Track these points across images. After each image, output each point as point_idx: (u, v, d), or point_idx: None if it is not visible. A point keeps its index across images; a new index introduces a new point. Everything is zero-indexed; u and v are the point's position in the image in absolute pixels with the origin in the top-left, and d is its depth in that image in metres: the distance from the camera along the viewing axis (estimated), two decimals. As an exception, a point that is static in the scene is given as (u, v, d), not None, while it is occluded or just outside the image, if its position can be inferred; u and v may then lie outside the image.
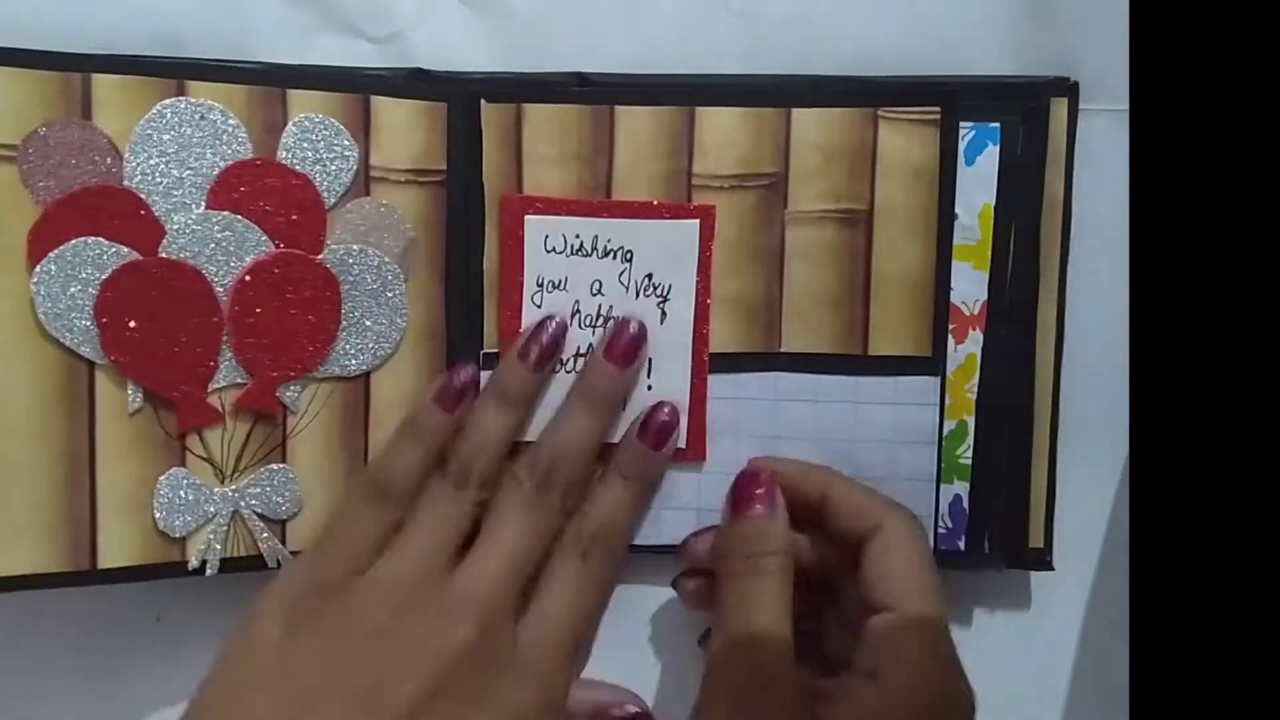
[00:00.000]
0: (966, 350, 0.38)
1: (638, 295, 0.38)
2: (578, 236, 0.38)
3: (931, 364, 0.37)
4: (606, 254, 0.38)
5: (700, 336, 0.38)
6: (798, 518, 0.36)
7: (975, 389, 0.38)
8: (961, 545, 0.38)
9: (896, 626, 0.33)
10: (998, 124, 0.37)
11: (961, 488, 0.38)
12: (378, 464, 0.38)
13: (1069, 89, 0.37)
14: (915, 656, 0.32)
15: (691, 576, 0.39)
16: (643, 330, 0.38)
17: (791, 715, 0.32)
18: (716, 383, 0.38)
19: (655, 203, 0.38)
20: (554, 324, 0.38)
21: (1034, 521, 0.38)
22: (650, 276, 0.38)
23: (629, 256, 0.38)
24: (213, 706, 0.34)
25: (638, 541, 0.39)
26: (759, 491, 0.36)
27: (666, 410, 0.38)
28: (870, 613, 0.33)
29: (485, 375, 0.40)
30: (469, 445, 0.37)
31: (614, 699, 0.38)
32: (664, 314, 0.38)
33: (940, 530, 0.38)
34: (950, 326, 0.38)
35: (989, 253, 0.37)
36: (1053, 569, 0.39)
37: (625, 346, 0.38)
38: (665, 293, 0.38)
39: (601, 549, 0.37)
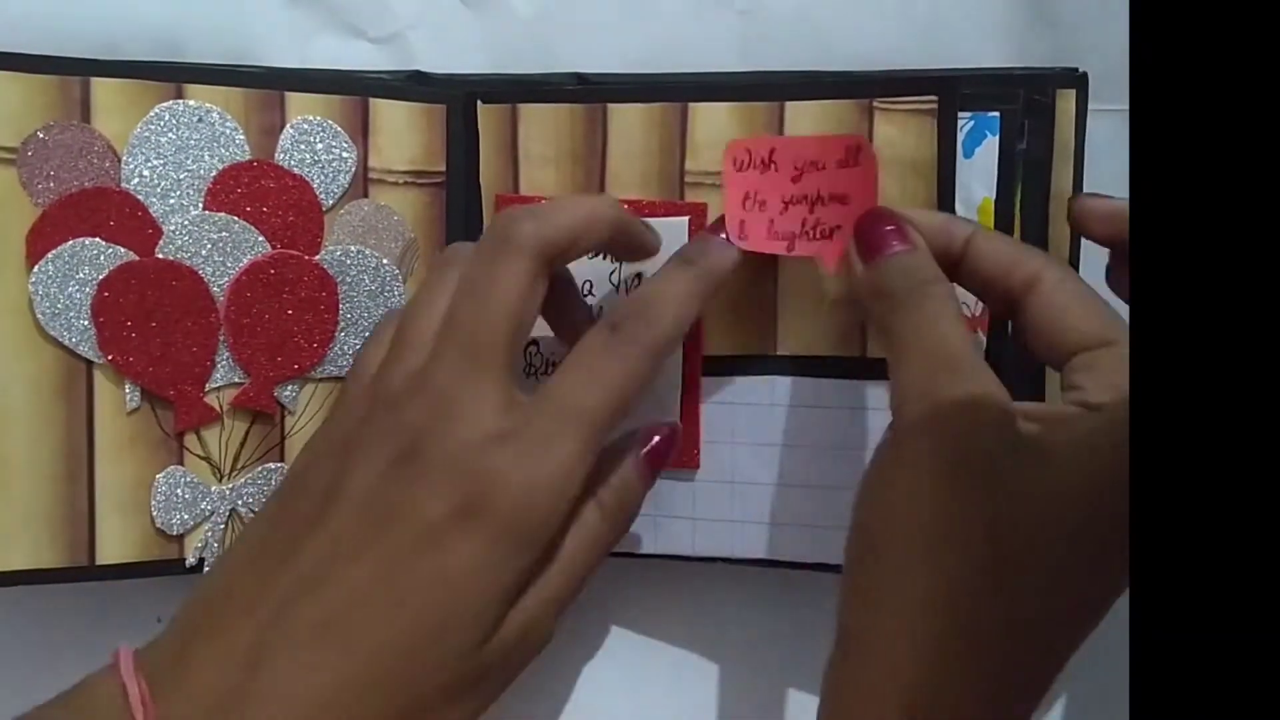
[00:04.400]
0: (968, 354, 0.36)
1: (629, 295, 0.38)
2: (569, 236, 0.38)
3: (933, 366, 0.36)
4: (597, 254, 0.38)
5: (692, 339, 0.37)
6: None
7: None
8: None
9: (1110, 359, 0.30)
10: (997, 113, 0.35)
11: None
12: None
13: (1077, 80, 0.35)
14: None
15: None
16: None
17: (1012, 431, 0.29)
18: (710, 387, 0.37)
19: (645, 201, 0.37)
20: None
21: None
22: (640, 276, 0.37)
23: (620, 256, 0.38)
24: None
25: (629, 550, 0.38)
26: (889, 229, 0.32)
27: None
28: (1055, 359, 0.31)
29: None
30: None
31: (642, 435, 0.35)
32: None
33: None
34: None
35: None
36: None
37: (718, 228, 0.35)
38: (656, 293, 0.38)
39: (638, 321, 0.32)
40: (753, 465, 0.37)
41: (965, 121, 0.35)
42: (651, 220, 0.37)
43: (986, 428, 0.29)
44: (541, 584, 0.32)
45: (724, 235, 0.34)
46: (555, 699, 0.40)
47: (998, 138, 0.35)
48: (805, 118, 0.36)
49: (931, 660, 0.29)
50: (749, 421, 0.37)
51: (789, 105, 0.36)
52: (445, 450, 0.30)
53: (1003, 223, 0.35)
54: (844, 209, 0.34)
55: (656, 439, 0.34)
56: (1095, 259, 0.36)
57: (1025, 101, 0.35)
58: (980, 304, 0.36)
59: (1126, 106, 0.35)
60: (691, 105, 0.37)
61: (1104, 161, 0.36)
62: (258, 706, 0.29)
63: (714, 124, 0.37)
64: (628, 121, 0.37)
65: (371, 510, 0.31)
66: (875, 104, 0.35)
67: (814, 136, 0.35)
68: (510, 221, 0.32)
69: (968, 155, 0.35)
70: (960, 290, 0.35)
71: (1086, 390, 0.30)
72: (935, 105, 0.35)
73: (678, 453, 0.35)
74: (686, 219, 0.37)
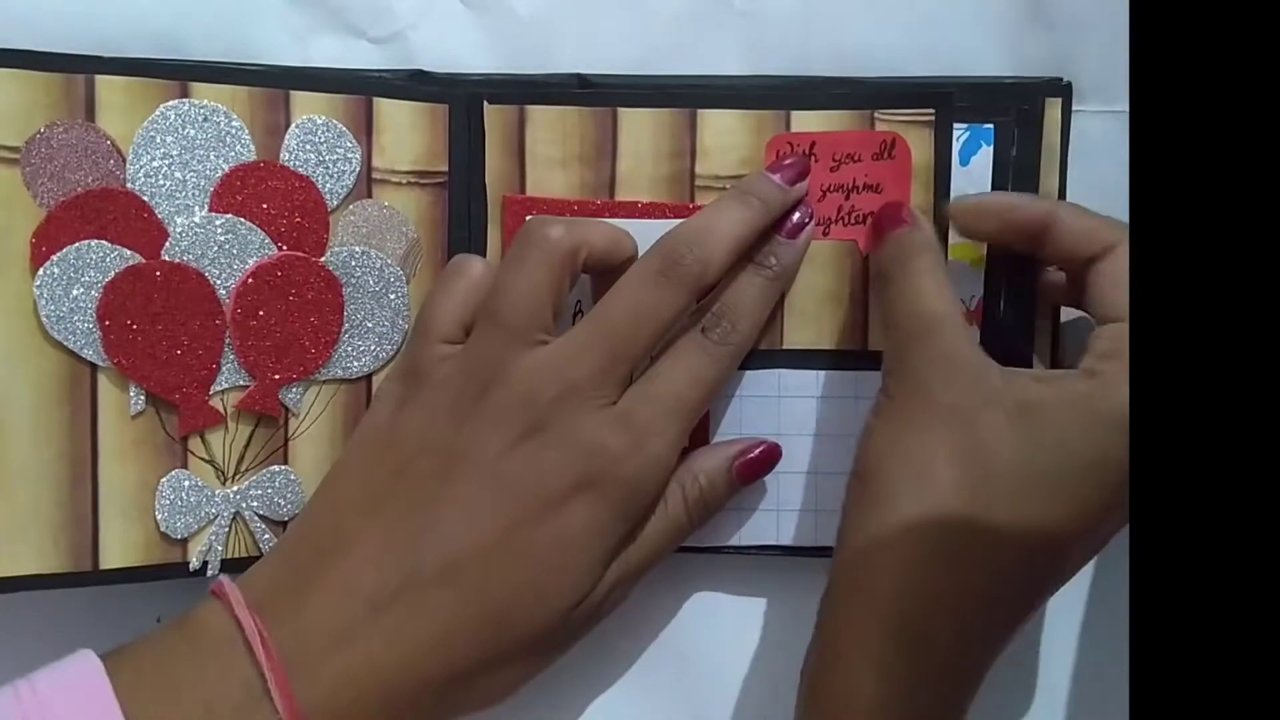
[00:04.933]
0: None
1: (640, 295, 0.39)
2: (579, 237, 0.38)
3: (929, 360, 0.38)
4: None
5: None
6: (1018, 246, 0.36)
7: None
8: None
9: (1125, 334, 0.33)
10: (991, 125, 0.37)
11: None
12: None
13: (1063, 89, 0.38)
14: None
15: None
16: (808, 161, 0.37)
17: (983, 384, 0.33)
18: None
19: (656, 203, 0.38)
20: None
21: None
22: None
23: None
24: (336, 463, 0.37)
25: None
26: (894, 214, 0.36)
27: (799, 213, 0.37)
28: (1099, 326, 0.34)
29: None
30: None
31: (744, 445, 0.38)
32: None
33: None
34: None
35: (984, 251, 0.38)
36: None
37: (792, 166, 0.37)
38: (666, 292, 0.39)
39: (725, 325, 0.36)
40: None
41: (961, 132, 0.37)
42: (663, 223, 0.38)
43: (955, 382, 0.33)
44: (624, 558, 0.35)
45: (778, 176, 0.37)
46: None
47: (992, 148, 0.37)
48: (810, 124, 0.38)
49: (914, 584, 0.33)
50: (757, 413, 0.39)
51: (794, 113, 0.38)
52: (569, 428, 0.34)
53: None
54: (877, 197, 0.38)
55: (756, 452, 0.38)
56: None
57: (1015, 112, 0.37)
58: (975, 299, 0.38)
59: (1118, 108, 0.39)
60: (700, 111, 0.38)
61: (1095, 162, 0.38)
62: (373, 643, 0.33)
63: (722, 129, 0.38)
64: (637, 125, 0.38)
65: (499, 477, 0.34)
66: (876, 114, 0.37)
67: (851, 132, 0.38)
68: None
69: (964, 163, 0.38)
70: (956, 286, 0.38)
71: (1096, 357, 0.33)
72: (933, 117, 0.37)
73: (770, 470, 0.38)
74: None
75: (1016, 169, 0.38)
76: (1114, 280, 0.34)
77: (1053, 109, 0.38)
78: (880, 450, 0.34)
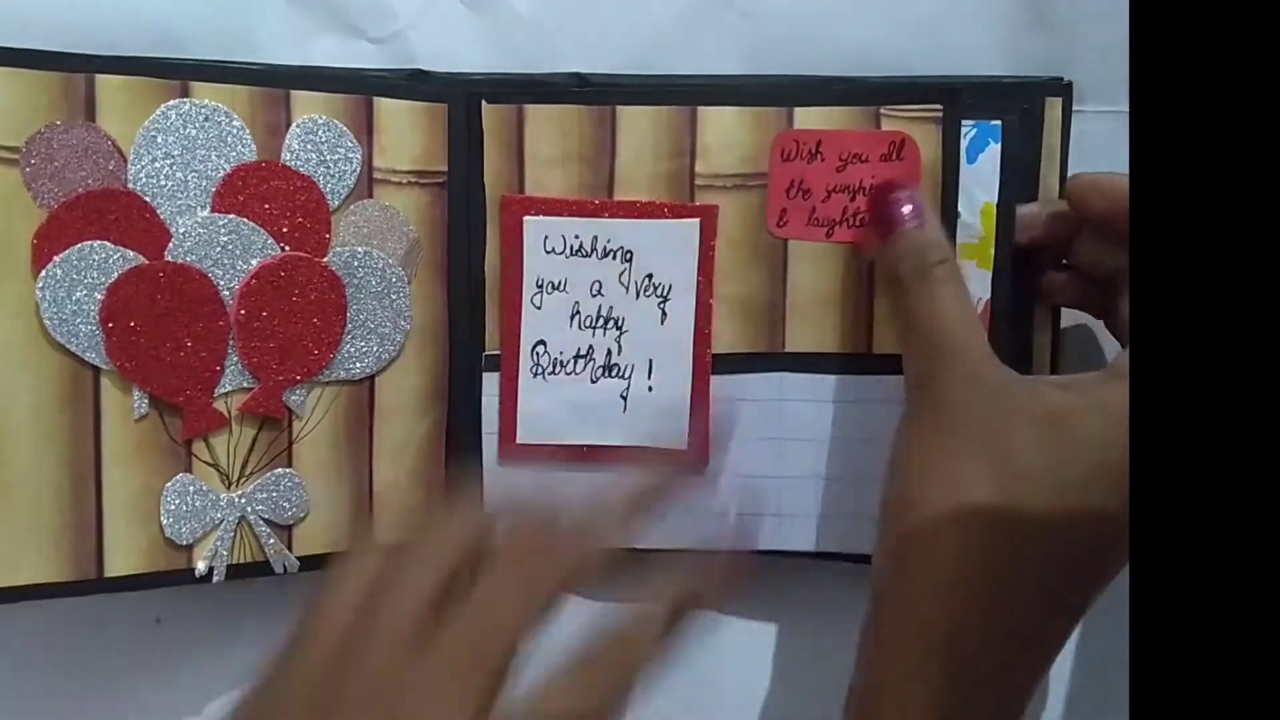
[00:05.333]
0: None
1: (638, 295, 0.39)
2: (577, 237, 0.38)
3: (935, 360, 0.38)
4: (606, 254, 0.38)
5: (702, 337, 0.39)
6: (1121, 227, 0.35)
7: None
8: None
9: None
10: (999, 122, 0.37)
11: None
12: None
13: (1063, 89, 0.38)
14: None
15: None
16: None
17: (1009, 398, 0.33)
18: (719, 384, 0.39)
19: (656, 202, 0.38)
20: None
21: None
22: (650, 276, 0.38)
23: (629, 257, 0.39)
24: None
25: (642, 546, 0.39)
26: (900, 204, 0.35)
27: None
28: None
29: (488, 378, 0.40)
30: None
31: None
32: (664, 314, 0.39)
33: None
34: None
35: (991, 251, 0.38)
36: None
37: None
38: (666, 292, 0.39)
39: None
40: (761, 459, 0.39)
41: (969, 129, 0.37)
42: (662, 223, 0.38)
43: (983, 399, 0.33)
44: None
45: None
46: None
47: (999, 145, 0.37)
48: (814, 123, 0.38)
49: (955, 603, 0.32)
50: (759, 416, 0.39)
51: (797, 110, 0.38)
52: None
53: (1003, 225, 0.38)
54: None
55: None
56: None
57: (1016, 112, 0.37)
58: (982, 301, 0.38)
59: (1118, 108, 0.39)
60: (700, 109, 0.38)
61: (1095, 162, 0.38)
62: None
63: (723, 127, 0.38)
64: (636, 124, 0.38)
65: None
66: (882, 110, 0.37)
67: (859, 131, 0.37)
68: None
69: (970, 161, 0.37)
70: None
71: (1124, 358, 0.33)
72: (939, 113, 0.37)
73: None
74: (698, 221, 0.38)
75: (1019, 169, 0.38)
76: None
77: (1053, 109, 0.38)
78: (913, 472, 0.34)
